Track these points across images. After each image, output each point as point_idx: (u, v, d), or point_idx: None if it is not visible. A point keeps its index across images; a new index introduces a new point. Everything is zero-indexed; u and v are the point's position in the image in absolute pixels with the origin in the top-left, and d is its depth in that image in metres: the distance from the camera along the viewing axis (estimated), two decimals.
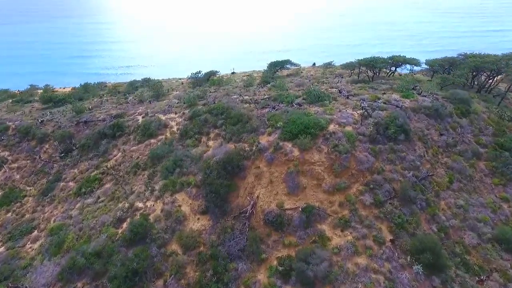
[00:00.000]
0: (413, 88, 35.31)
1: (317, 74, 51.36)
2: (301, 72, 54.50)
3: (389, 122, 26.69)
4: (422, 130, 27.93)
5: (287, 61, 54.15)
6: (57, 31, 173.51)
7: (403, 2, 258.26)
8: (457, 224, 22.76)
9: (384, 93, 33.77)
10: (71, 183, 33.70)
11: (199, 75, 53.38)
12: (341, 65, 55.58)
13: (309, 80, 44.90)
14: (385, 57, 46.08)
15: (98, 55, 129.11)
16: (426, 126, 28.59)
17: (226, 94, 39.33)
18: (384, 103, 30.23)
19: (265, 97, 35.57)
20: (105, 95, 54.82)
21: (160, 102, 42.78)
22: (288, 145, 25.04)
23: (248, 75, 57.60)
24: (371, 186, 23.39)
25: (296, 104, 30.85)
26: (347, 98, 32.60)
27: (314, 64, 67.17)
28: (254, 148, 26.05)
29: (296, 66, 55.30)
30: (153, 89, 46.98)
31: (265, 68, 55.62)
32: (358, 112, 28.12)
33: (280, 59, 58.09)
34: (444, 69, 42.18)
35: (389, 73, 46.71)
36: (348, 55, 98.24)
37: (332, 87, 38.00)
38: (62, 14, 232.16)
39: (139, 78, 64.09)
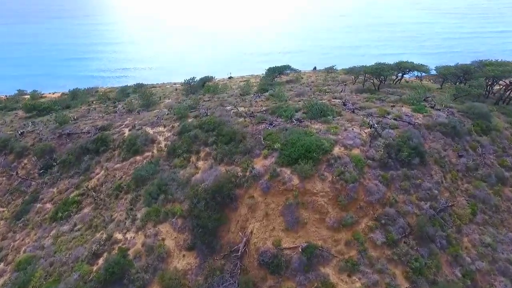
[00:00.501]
0: (424, 100, 32.13)
1: (318, 81, 48.09)
2: (301, 77, 51.25)
3: (401, 144, 23.37)
4: (438, 152, 24.53)
5: (287, 67, 50.86)
6: (52, 32, 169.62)
7: (403, 2, 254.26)
8: (485, 268, 19.48)
9: (394, 106, 30.52)
10: (48, 205, 30.64)
11: (193, 81, 50.06)
12: (343, 69, 52.47)
13: (310, 88, 41.69)
14: (391, 63, 42.94)
15: (94, 57, 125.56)
16: (443, 146, 25.19)
17: (220, 105, 36.17)
18: (395, 119, 26.97)
19: (262, 109, 32.41)
20: (94, 102, 51.91)
21: (150, 112, 39.70)
22: (287, 172, 21.75)
23: (245, 81, 54.49)
24: (383, 221, 20.11)
25: (295, 120, 27.62)
26: (353, 111, 29.40)
27: (315, 68, 63.89)
28: (247, 173, 22.77)
29: (296, 71, 52.05)
30: (143, 98, 43.78)
31: (264, 73, 52.43)
32: (366, 131, 24.82)
33: (280, 60, 54.87)
34: (457, 78, 38.81)
35: (396, 80, 43.61)
36: (350, 56, 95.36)
37: (335, 98, 34.80)
38: (58, 15, 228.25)
39: (135, 82, 61.04)
